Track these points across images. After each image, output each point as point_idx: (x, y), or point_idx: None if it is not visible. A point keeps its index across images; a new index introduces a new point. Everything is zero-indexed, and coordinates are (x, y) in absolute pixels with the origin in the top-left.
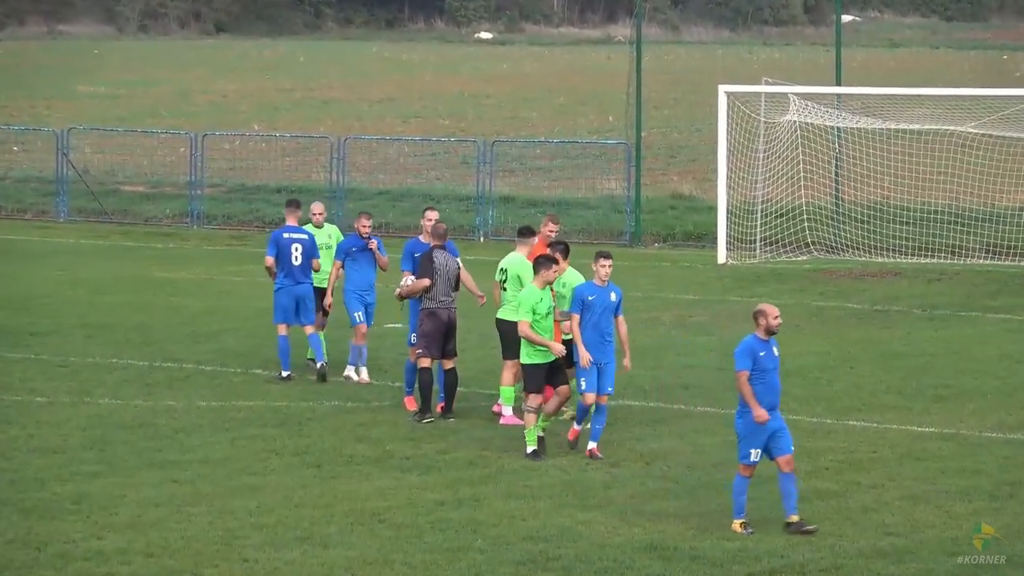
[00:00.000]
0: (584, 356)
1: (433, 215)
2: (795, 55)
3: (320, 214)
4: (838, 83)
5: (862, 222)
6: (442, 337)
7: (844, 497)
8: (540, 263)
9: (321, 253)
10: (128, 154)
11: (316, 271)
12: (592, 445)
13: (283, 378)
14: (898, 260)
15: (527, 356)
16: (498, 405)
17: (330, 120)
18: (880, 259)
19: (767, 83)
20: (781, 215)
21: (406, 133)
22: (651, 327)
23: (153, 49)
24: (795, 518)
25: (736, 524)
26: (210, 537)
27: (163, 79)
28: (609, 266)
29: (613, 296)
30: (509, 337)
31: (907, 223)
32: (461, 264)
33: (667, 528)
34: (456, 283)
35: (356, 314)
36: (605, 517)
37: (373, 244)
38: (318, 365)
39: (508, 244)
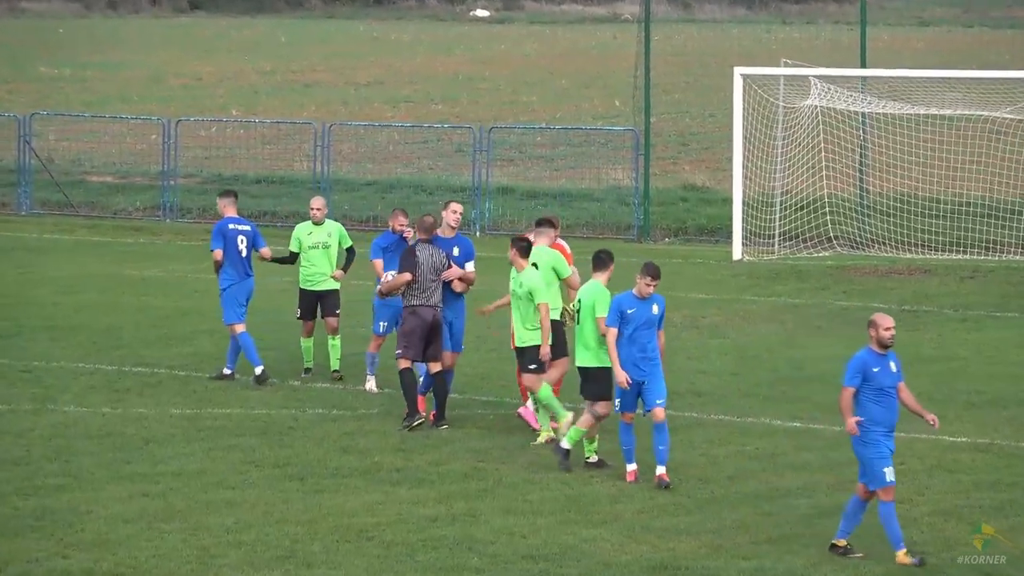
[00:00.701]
0: (620, 375)
1: (458, 207)
2: (816, 34)
3: (320, 209)
4: (863, 65)
5: (889, 215)
6: (423, 337)
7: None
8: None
9: (318, 252)
10: (96, 141)
11: (266, 259)
12: (660, 470)
13: (259, 377)
14: (928, 256)
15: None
16: (526, 410)
17: (313, 105)
18: (908, 255)
19: (786, 65)
20: (801, 208)
21: (396, 119)
22: None
23: (123, 28)
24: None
25: (901, 555)
26: (184, 556)
27: (133, 61)
28: (654, 287)
29: (655, 308)
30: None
31: (938, 216)
32: (471, 266)
33: (678, 546)
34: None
35: (381, 323)
36: (611, 534)
37: (410, 234)
38: (258, 371)
39: (506, 238)
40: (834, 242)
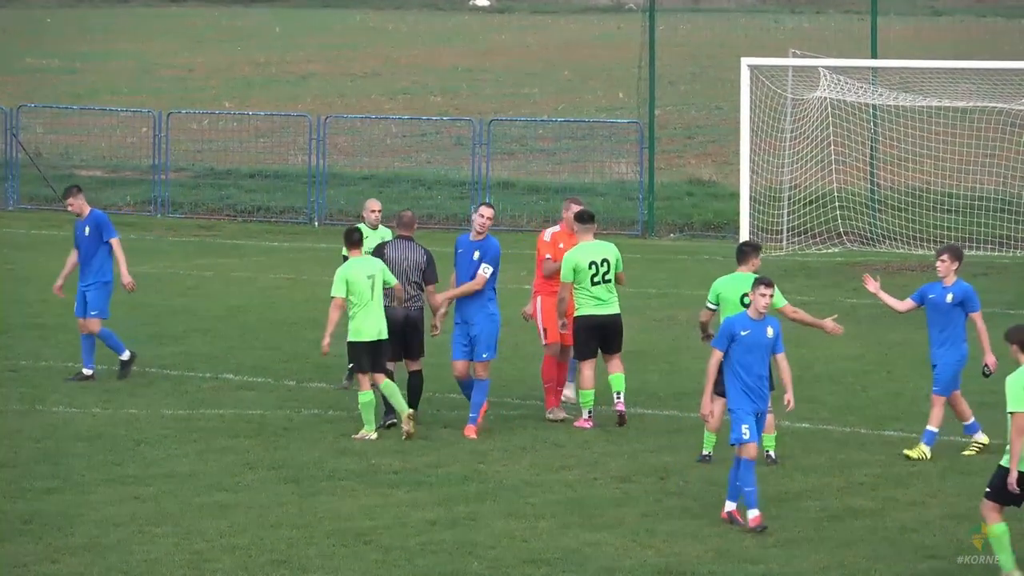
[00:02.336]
0: (705, 406)
1: (486, 211)
2: (826, 24)
3: (377, 211)
4: (873, 56)
5: (900, 210)
6: (397, 338)
7: (880, 515)
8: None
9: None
10: (85, 135)
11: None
12: (731, 506)
13: (127, 361)
14: None
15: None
16: (581, 421)
17: (309, 97)
18: (920, 251)
19: (795, 56)
20: (810, 202)
21: (393, 111)
22: (666, 327)
23: (112, 18)
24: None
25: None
26: (176, 561)
27: (123, 51)
28: (770, 296)
29: (770, 331)
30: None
31: (950, 211)
32: (484, 271)
33: (683, 550)
34: (421, 276)
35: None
36: (615, 538)
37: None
38: (127, 355)
39: (506, 235)
40: (844, 238)
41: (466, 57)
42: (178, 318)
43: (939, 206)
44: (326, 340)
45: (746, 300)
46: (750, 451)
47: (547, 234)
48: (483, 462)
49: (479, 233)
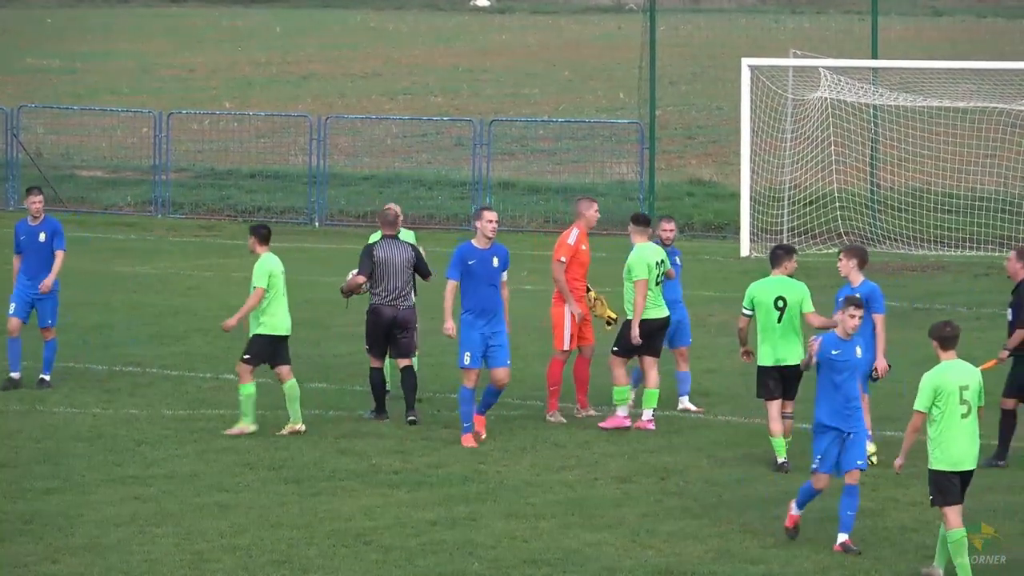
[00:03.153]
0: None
1: (493, 216)
2: (826, 24)
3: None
4: (874, 56)
5: (900, 210)
6: (384, 336)
7: (881, 516)
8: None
9: None
10: (85, 135)
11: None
12: (843, 537)
13: (15, 382)
14: (941, 253)
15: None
16: (643, 422)
17: (309, 97)
18: (921, 251)
19: (795, 56)
20: (810, 203)
21: (394, 112)
22: None
23: (112, 18)
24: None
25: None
26: (176, 561)
27: (123, 51)
28: (859, 317)
29: (859, 351)
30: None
31: (951, 211)
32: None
33: (683, 550)
34: (411, 275)
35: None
36: (615, 538)
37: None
38: (17, 375)
39: (508, 235)
40: (844, 238)
41: (466, 57)
42: (178, 318)
43: (939, 206)
44: (234, 321)
45: (779, 304)
46: (820, 481)
47: (571, 236)
48: (484, 462)
49: (489, 239)
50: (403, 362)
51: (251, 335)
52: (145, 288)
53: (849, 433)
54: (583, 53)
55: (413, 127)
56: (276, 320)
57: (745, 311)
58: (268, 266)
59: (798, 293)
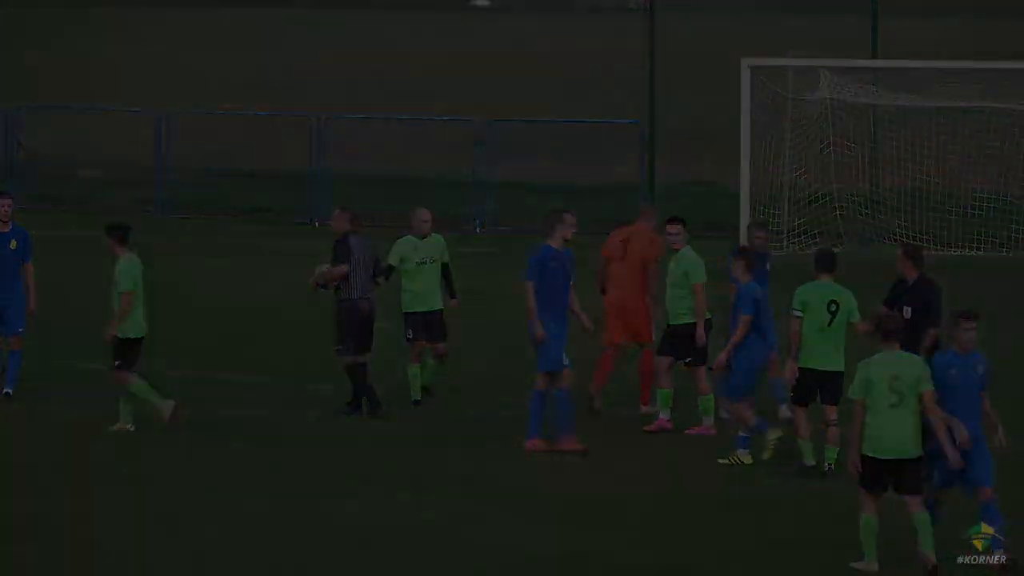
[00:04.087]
0: (954, 458)
1: (573, 219)
2: (826, 24)
3: (429, 221)
4: (874, 56)
5: (900, 210)
6: (361, 331)
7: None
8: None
9: (426, 268)
10: (85, 135)
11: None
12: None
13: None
14: (941, 253)
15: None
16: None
17: (309, 98)
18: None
19: (795, 56)
20: (811, 202)
21: (393, 112)
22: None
23: (113, 18)
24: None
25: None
26: (176, 561)
27: (123, 51)
28: (974, 330)
29: (979, 368)
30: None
31: (951, 212)
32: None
33: (684, 550)
34: (374, 271)
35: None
36: (615, 538)
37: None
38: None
39: (508, 236)
40: (844, 238)
41: (466, 57)
42: (178, 318)
43: (939, 207)
44: (113, 330)
45: (832, 308)
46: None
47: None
48: (484, 462)
49: (568, 242)
50: (366, 357)
51: (114, 340)
52: (145, 289)
53: (970, 459)
54: (583, 53)
55: (413, 128)
56: (138, 323)
57: (796, 313)
58: (134, 269)
59: (850, 301)
